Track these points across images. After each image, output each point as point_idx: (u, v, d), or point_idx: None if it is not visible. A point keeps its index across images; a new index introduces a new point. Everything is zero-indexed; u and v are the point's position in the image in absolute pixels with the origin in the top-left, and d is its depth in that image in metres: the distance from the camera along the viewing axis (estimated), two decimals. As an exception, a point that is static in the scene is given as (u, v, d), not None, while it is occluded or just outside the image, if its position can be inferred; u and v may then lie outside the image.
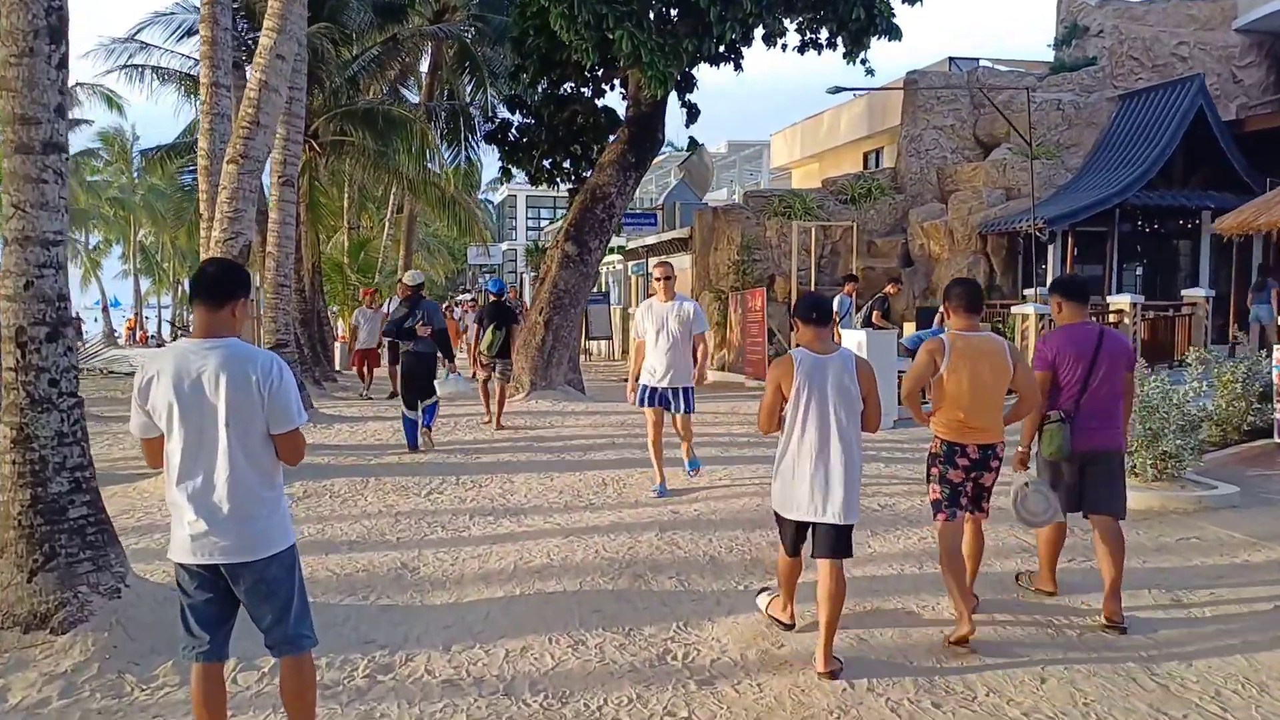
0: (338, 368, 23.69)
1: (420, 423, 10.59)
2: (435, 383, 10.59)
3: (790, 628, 5.09)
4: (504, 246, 54.76)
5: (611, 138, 18.17)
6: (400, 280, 15.51)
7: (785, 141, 32.65)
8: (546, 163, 19.62)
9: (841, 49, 16.23)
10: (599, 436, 11.49)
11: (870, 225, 22.19)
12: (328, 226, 36.11)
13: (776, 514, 4.90)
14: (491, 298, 15.29)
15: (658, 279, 8.33)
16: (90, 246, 56.04)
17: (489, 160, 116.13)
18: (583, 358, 23.00)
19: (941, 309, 5.84)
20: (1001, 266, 20.21)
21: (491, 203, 60.53)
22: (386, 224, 32.17)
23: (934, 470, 5.15)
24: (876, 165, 26.77)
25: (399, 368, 11.22)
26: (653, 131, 16.42)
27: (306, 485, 8.80)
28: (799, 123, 31.54)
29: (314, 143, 19.95)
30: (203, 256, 9.69)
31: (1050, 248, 18.86)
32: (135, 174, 50.04)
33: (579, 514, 7.75)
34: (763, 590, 5.54)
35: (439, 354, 10.73)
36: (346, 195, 27.78)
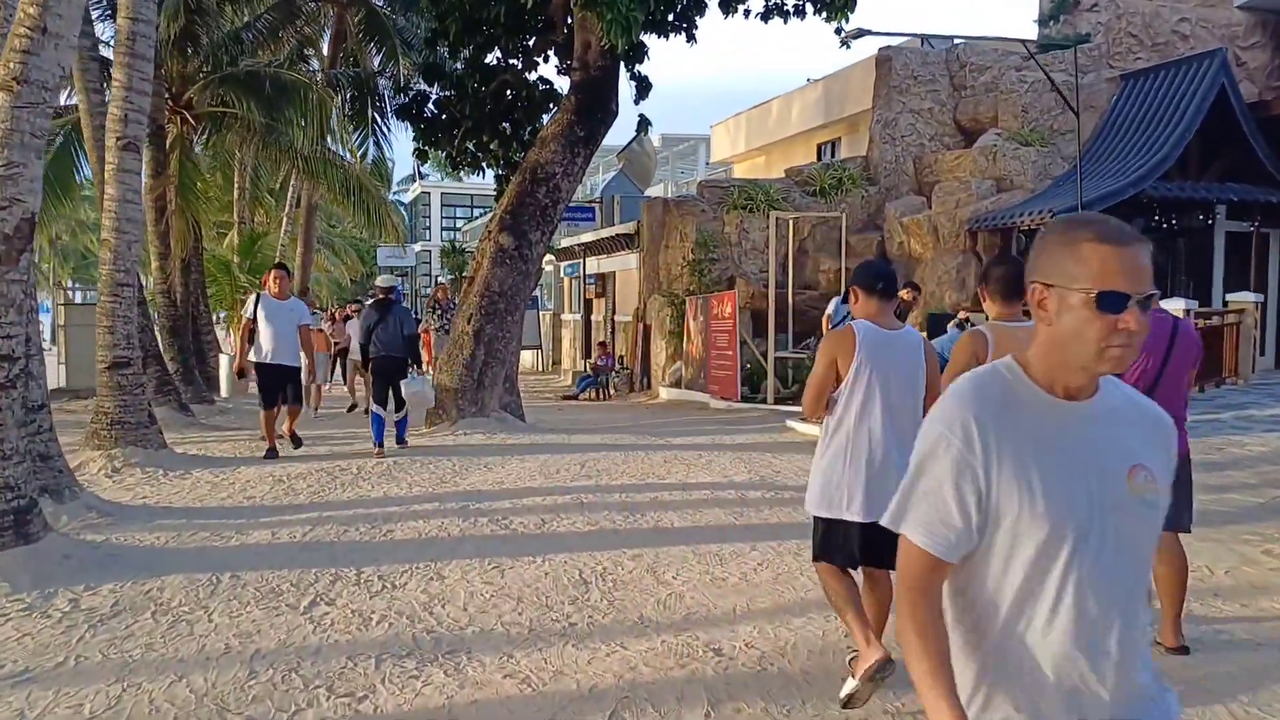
0: (224, 392, 20.11)
1: (395, 435, 10.67)
2: (401, 382, 10.57)
3: (889, 662, 3.82)
4: (417, 247, 51.15)
5: (547, 117, 15.29)
6: (273, 271, 10.90)
7: (728, 133, 30.01)
8: (470, 144, 16.66)
9: (815, 12, 13.65)
10: (557, 489, 8.48)
11: (844, 221, 19.59)
12: (213, 222, 32.26)
13: (818, 519, 4.20)
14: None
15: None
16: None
17: (400, 152, 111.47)
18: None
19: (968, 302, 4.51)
20: (995, 267, 17.75)
21: (403, 203, 56.85)
22: (285, 219, 28.48)
23: None
24: (832, 158, 24.28)
25: (363, 371, 11.52)
26: (605, 100, 13.51)
27: (120, 590, 5.64)
28: (744, 112, 28.92)
29: (187, 114, 16.53)
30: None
31: (1055, 245, 16.44)
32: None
33: (558, 650, 4.75)
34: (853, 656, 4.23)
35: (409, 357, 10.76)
36: (236, 185, 24.11)
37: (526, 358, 26.89)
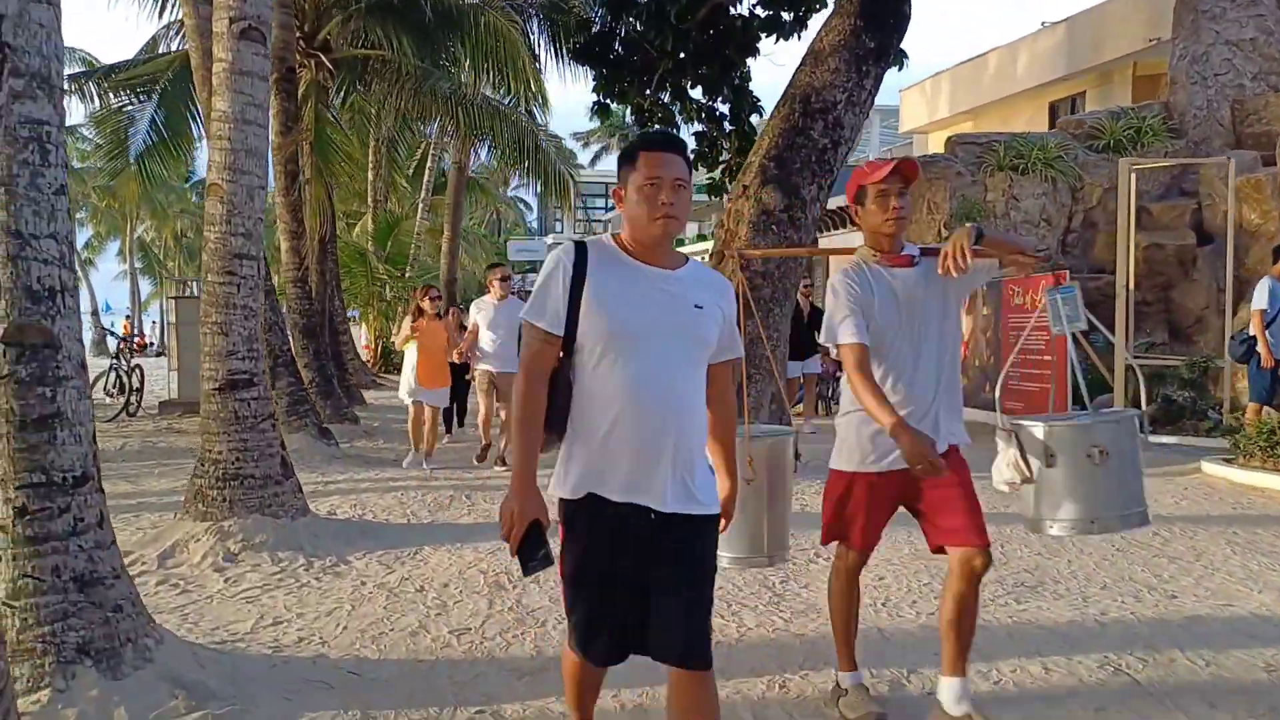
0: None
1: None
2: None
3: None
4: (548, 240, 48.00)
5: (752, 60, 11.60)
6: None
7: (924, 97, 25.74)
8: (664, 94, 13.11)
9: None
10: (1006, 637, 4.57)
11: (1136, 184, 15.24)
12: (342, 212, 29.40)
13: None
14: None
15: None
16: (81, 244, 49.64)
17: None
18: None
19: None
20: (1375, 242, 13.17)
21: (523, 200, 53.88)
22: (420, 205, 25.26)
23: None
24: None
25: None
26: (898, -4, 9.56)
27: None
28: (948, 69, 24.65)
29: (323, 57, 13.21)
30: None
31: None
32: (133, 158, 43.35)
33: None
34: None
35: None
36: (371, 163, 20.94)
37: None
